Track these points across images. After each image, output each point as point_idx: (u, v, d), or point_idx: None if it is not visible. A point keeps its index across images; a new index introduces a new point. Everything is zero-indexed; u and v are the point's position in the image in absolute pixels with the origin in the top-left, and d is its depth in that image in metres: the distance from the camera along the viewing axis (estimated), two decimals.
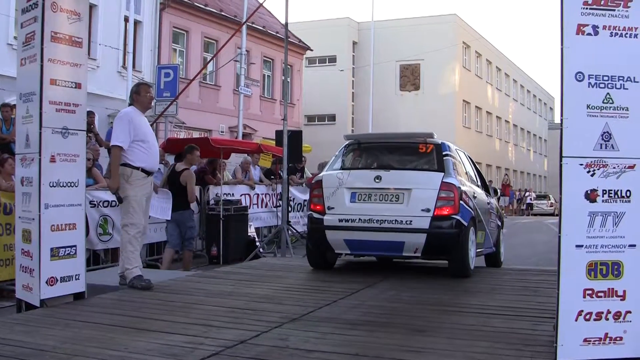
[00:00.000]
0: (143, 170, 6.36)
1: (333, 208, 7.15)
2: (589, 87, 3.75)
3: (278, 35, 27.38)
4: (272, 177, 14.29)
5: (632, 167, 3.75)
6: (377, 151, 7.78)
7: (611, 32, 3.77)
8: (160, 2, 21.91)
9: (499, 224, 9.28)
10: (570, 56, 3.76)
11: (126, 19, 19.21)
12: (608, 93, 3.76)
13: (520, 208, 42.27)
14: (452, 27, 39.86)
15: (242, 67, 20.96)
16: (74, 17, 5.60)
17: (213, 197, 11.72)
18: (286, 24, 12.07)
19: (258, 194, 13.56)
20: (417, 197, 6.89)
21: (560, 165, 3.75)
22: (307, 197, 15.02)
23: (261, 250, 11.66)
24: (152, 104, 10.84)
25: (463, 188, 7.18)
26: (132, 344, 4.18)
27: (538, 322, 4.84)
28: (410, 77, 40.77)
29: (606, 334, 3.72)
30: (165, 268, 9.36)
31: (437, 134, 7.74)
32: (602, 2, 3.77)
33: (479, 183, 8.56)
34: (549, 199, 42.92)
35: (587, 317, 3.71)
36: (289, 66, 27.16)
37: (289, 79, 28.66)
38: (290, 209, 12.73)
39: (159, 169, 9.72)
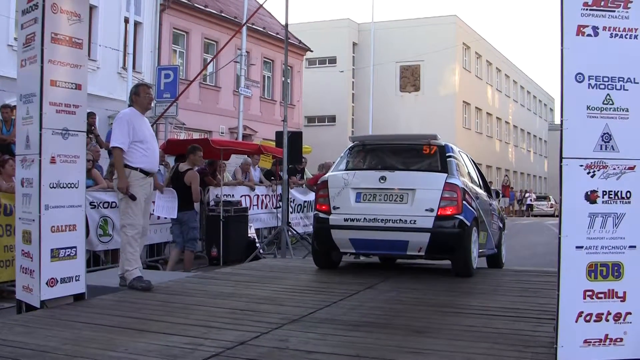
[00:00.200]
0: (142, 171, 6.36)
1: (338, 208, 7.27)
2: (589, 88, 3.75)
3: (278, 36, 27.39)
4: (272, 178, 14.28)
5: (632, 168, 3.75)
6: (382, 152, 7.89)
7: (611, 33, 3.76)
8: (161, 3, 21.93)
9: (501, 225, 9.40)
10: (570, 57, 3.75)
11: (126, 20, 19.20)
12: (608, 94, 3.75)
13: (521, 209, 42.27)
14: (452, 28, 39.87)
15: (242, 68, 20.97)
16: (74, 18, 5.59)
17: (213, 198, 11.71)
18: (286, 25, 12.07)
19: (258, 195, 13.56)
20: (421, 197, 7.02)
21: (561, 167, 3.75)
22: (307, 198, 15.07)
23: (261, 251, 11.65)
24: (152, 105, 10.87)
25: (466, 189, 7.29)
26: (132, 345, 4.18)
27: (538, 323, 4.84)
28: (410, 78, 40.79)
29: (606, 335, 3.72)
30: (170, 268, 9.41)
31: (437, 135, 7.80)
32: (602, 3, 3.77)
33: (481, 185, 8.66)
34: (549, 200, 42.93)
35: (588, 318, 3.71)
36: (289, 67, 27.18)
37: (289, 80, 28.67)
38: (290, 210, 12.73)
39: (159, 169, 9.73)
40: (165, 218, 9.83)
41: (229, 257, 10.84)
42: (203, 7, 23.99)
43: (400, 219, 6.97)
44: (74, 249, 5.59)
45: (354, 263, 8.88)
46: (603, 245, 3.72)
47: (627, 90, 3.75)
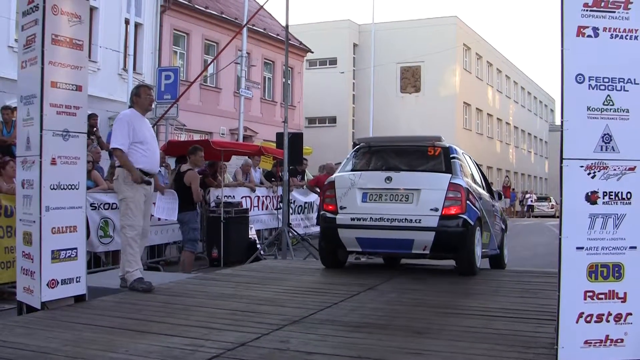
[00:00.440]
0: (142, 172, 6.36)
1: (345, 208, 7.44)
2: (589, 89, 3.75)
3: (279, 37, 27.39)
4: (272, 179, 14.29)
5: (632, 169, 3.75)
6: (387, 154, 8.05)
7: (611, 34, 3.77)
8: (161, 5, 21.94)
9: (503, 227, 9.55)
10: (571, 58, 3.76)
11: (127, 22, 19.22)
12: (608, 95, 3.75)
13: (522, 210, 42.24)
14: (452, 29, 39.87)
15: (242, 69, 20.97)
16: (75, 19, 5.60)
17: (214, 199, 11.72)
18: (287, 26, 12.07)
19: (259, 197, 13.56)
20: (426, 197, 7.17)
21: (561, 167, 3.75)
22: (307, 199, 15.08)
23: (262, 252, 11.64)
24: (153, 106, 10.86)
25: (470, 189, 7.45)
26: (133, 346, 4.18)
27: (539, 324, 4.84)
28: (410, 79, 40.79)
29: (607, 336, 3.72)
30: (188, 270, 9.42)
31: (441, 137, 7.95)
32: (603, 4, 3.77)
33: (484, 186, 8.79)
34: (550, 201, 42.90)
35: (588, 319, 3.71)
36: (289, 68, 27.16)
37: (289, 81, 28.66)
38: (291, 211, 12.73)
39: (160, 171, 9.75)
40: (167, 220, 9.84)
41: (230, 259, 10.85)
42: (203, 9, 24.01)
43: (405, 219, 7.13)
44: (75, 250, 5.59)
45: (355, 264, 8.88)
46: (603, 246, 3.73)
47: (627, 91, 3.76)
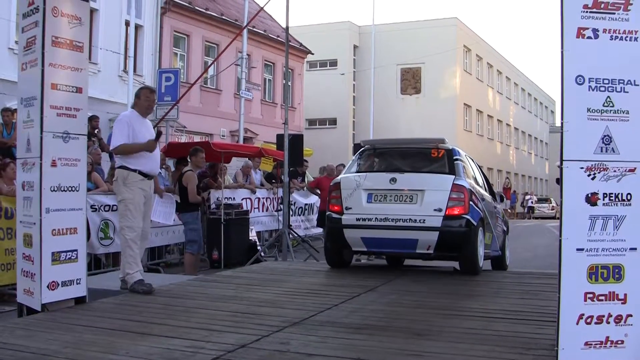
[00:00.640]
0: (141, 173, 6.37)
1: (351, 208, 7.58)
2: (589, 90, 3.75)
3: (279, 39, 27.39)
4: (273, 181, 14.30)
5: (632, 170, 3.74)
6: (392, 156, 8.23)
7: (611, 36, 3.77)
8: (161, 6, 21.94)
9: (505, 229, 9.67)
10: (571, 59, 3.76)
11: (127, 23, 19.21)
12: (608, 96, 3.75)
13: (523, 212, 42.24)
14: (453, 30, 39.85)
15: (243, 71, 20.96)
16: (75, 21, 5.60)
17: (214, 201, 11.72)
18: (287, 27, 12.08)
19: (259, 198, 13.57)
20: (430, 198, 7.30)
21: (561, 169, 3.75)
22: (308, 201, 15.09)
23: (262, 254, 11.65)
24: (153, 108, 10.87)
25: (472, 190, 7.57)
26: (134, 348, 4.18)
27: (539, 325, 4.84)
28: (411, 81, 40.78)
29: (607, 338, 3.71)
30: (195, 271, 9.44)
31: (445, 139, 8.07)
32: (602, 6, 3.77)
33: (486, 188, 8.89)
34: (550, 202, 42.91)
35: (588, 320, 3.70)
36: (289, 70, 27.16)
37: (290, 83, 28.66)
38: (291, 213, 12.73)
39: (160, 172, 9.76)
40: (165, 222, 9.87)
41: (230, 260, 10.85)
42: (204, 10, 24.01)
43: (410, 219, 7.25)
44: (75, 252, 5.59)
45: (355, 266, 8.89)
46: (604, 248, 3.72)
47: (627, 92, 3.75)
